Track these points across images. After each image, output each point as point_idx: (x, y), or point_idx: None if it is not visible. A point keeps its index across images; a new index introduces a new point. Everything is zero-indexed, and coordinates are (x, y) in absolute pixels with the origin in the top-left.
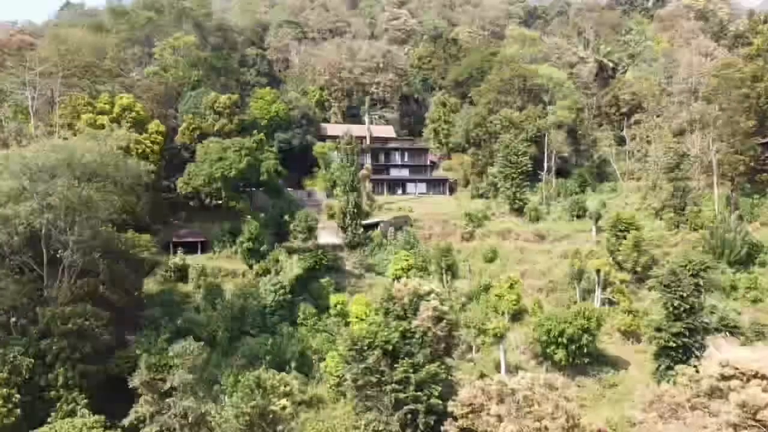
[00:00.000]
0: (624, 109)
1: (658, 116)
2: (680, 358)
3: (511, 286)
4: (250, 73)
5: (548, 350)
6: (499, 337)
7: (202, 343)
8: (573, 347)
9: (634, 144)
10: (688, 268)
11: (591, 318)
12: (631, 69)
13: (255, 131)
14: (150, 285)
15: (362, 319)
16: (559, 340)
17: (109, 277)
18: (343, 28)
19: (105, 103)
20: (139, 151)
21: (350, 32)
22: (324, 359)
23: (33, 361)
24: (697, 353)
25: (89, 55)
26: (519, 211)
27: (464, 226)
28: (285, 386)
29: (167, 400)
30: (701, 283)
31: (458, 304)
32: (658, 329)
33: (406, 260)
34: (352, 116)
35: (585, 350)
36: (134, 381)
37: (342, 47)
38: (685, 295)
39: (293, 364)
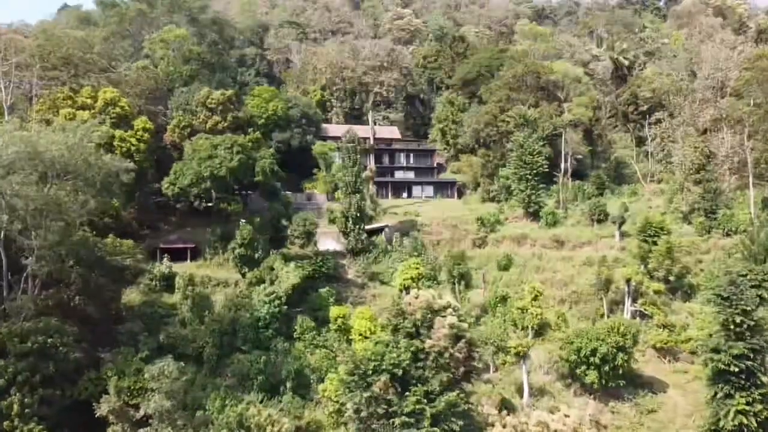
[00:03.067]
0: (643, 108)
1: (681, 113)
2: (741, 384)
3: (534, 298)
4: (249, 73)
5: (578, 371)
6: (522, 356)
7: (182, 363)
8: (606, 368)
9: (655, 144)
10: (749, 278)
11: (626, 334)
12: (650, 66)
13: (251, 130)
14: (132, 296)
15: (366, 337)
16: (591, 359)
17: (82, 287)
18: (346, 28)
19: (87, 98)
20: (124, 149)
21: (353, 33)
22: (323, 380)
23: None
24: (763, 379)
25: (74, 47)
26: (534, 215)
27: (476, 231)
28: (273, 425)
29: (140, 430)
30: (766, 295)
31: (472, 318)
32: (716, 350)
33: (416, 269)
34: (354, 117)
35: (620, 371)
36: (102, 408)
37: (345, 46)
38: (748, 309)
39: (289, 385)
